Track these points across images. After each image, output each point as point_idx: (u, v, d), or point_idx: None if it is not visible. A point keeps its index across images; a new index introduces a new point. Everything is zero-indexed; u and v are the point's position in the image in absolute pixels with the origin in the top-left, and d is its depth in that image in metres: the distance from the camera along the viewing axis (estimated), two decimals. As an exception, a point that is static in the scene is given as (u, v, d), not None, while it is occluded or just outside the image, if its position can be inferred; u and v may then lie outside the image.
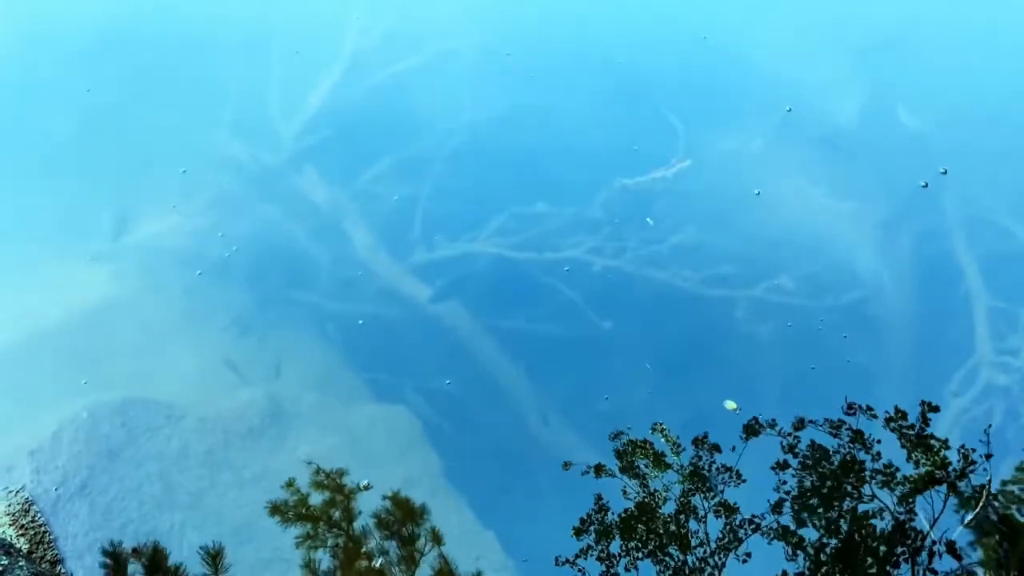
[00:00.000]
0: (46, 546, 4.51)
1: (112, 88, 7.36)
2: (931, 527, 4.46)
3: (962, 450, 4.81)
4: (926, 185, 6.13)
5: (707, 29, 7.72)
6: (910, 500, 4.60)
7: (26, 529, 4.55)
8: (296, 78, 7.37)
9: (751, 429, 4.95)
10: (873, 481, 4.70)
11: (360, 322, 5.58)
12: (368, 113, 7.14)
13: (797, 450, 4.85)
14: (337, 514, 4.65)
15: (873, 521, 4.54)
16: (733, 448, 4.87)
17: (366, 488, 4.78)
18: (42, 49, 7.85)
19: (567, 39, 7.80)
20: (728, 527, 4.57)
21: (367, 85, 7.36)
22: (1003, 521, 4.46)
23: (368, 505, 4.72)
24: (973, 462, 4.73)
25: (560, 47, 7.70)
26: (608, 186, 6.32)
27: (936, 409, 5.01)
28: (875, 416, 4.98)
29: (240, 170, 6.61)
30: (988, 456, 4.76)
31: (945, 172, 6.15)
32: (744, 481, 4.75)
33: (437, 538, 4.58)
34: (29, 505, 4.65)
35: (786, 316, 5.50)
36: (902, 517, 4.53)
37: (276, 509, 4.68)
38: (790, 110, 6.77)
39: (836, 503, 4.64)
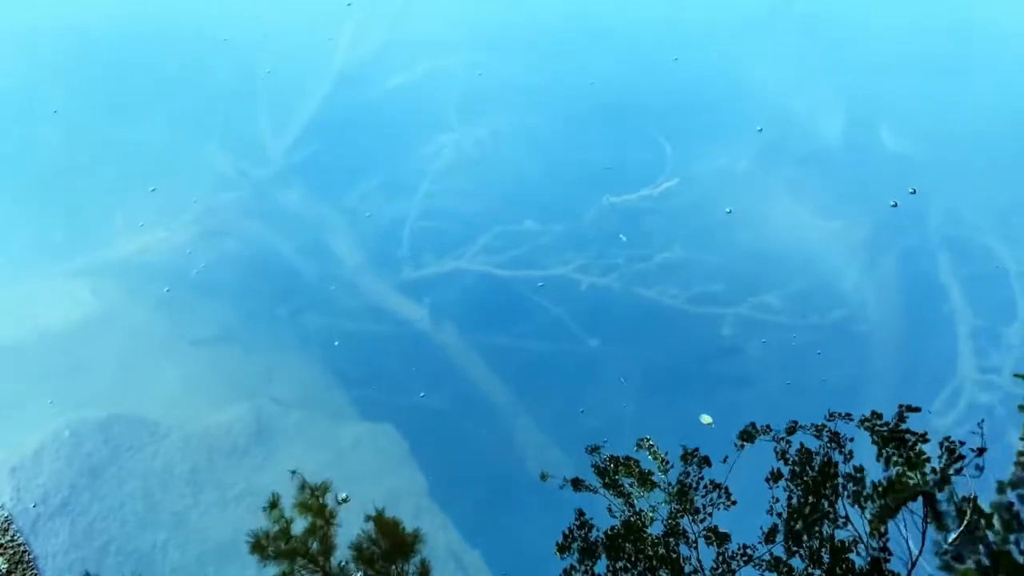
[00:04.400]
0: (25, 566, 4.45)
1: (99, 102, 7.36)
2: (911, 567, 4.42)
3: (946, 443, 4.75)
4: (895, 205, 6.20)
5: (699, 50, 7.81)
6: (883, 529, 4.54)
7: (5, 548, 4.49)
8: (285, 94, 7.39)
9: (747, 435, 4.95)
10: (845, 492, 4.69)
11: (336, 343, 5.55)
12: (357, 130, 7.16)
13: (788, 455, 4.85)
14: (315, 545, 4.58)
15: (851, 556, 4.51)
16: (724, 460, 4.86)
17: (344, 501, 4.75)
18: (27, 62, 7.85)
19: (557, 59, 7.86)
20: (721, 557, 4.54)
21: (356, 102, 7.38)
22: (993, 557, 4.37)
23: (352, 529, 4.68)
24: (961, 457, 4.68)
25: (549, 66, 7.76)
26: (596, 204, 6.35)
27: (916, 410, 5.02)
28: (851, 419, 4.99)
29: (228, 185, 6.60)
30: (981, 451, 4.70)
31: (914, 192, 6.22)
32: (734, 503, 4.74)
33: (425, 572, 4.55)
34: (8, 524, 4.59)
35: (772, 334, 5.53)
36: (877, 554, 4.49)
37: (258, 546, 4.61)
38: (760, 130, 6.85)
39: (816, 526, 4.61)
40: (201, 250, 6.10)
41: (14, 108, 7.44)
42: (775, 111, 7.11)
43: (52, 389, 5.23)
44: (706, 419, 5.07)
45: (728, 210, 6.23)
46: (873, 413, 5.04)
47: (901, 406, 5.07)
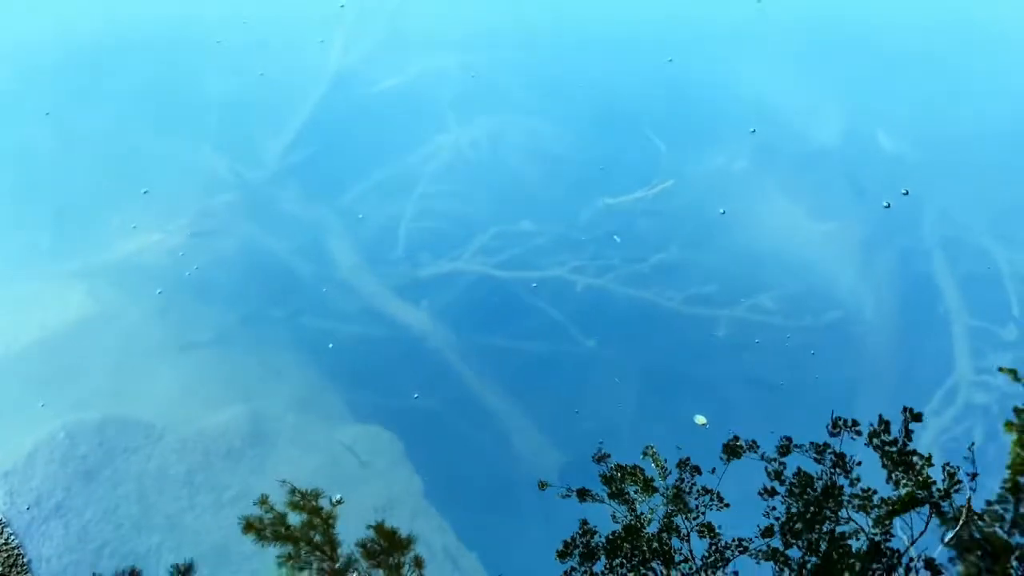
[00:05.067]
0: (20, 569, 4.43)
1: (93, 104, 7.34)
2: (909, 545, 4.46)
3: (947, 468, 4.81)
4: (888, 206, 6.22)
5: (694, 51, 7.83)
6: (887, 522, 4.59)
7: (-1, 552, 4.47)
8: (280, 97, 7.38)
9: (732, 449, 4.94)
10: (850, 505, 4.70)
11: (330, 346, 5.54)
12: (352, 132, 7.16)
13: (784, 477, 4.84)
14: (318, 536, 4.59)
15: (850, 541, 4.53)
16: (713, 470, 4.86)
17: (338, 503, 4.74)
18: (18, 66, 7.83)
19: (553, 60, 7.87)
20: (714, 547, 4.54)
21: (351, 104, 7.38)
22: (986, 540, 4.46)
23: (348, 529, 4.67)
24: (959, 481, 4.73)
25: (545, 68, 7.77)
26: (592, 206, 6.35)
27: (918, 418, 5.03)
28: (859, 433, 5.00)
29: (223, 187, 6.59)
30: (974, 475, 4.77)
31: (906, 193, 6.25)
32: (728, 505, 4.73)
33: (419, 564, 4.54)
34: (2, 527, 4.57)
35: (767, 335, 5.53)
36: (878, 538, 4.52)
37: (250, 526, 4.61)
38: (754, 131, 6.87)
39: (817, 526, 4.63)
40: (196, 252, 6.08)
41: (6, 110, 7.42)
42: (771, 113, 7.13)
43: (46, 391, 5.21)
44: (700, 420, 5.07)
45: (721, 211, 6.25)
46: (880, 419, 5.03)
47: (905, 409, 5.07)
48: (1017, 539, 4.48)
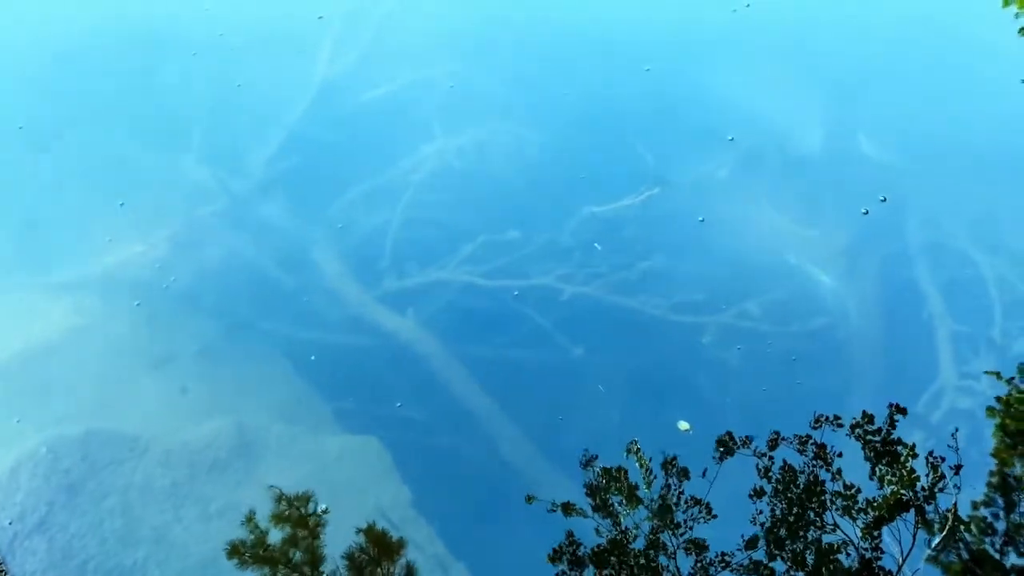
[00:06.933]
0: (2, 586, 4.38)
1: (77, 113, 7.30)
2: (901, 563, 4.46)
3: (930, 459, 4.81)
4: (867, 212, 6.26)
5: (678, 61, 7.87)
6: (875, 534, 4.59)
7: (-19, 568, 4.42)
8: (266, 105, 7.36)
9: (726, 445, 4.95)
10: (834, 506, 4.72)
11: (313, 358, 5.51)
12: (338, 141, 7.14)
13: (771, 474, 4.86)
14: (299, 555, 4.55)
15: (839, 556, 4.54)
16: (704, 473, 4.87)
17: (324, 512, 4.71)
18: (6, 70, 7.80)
19: (539, 69, 7.89)
20: (699, 565, 4.54)
21: (337, 113, 7.37)
22: (975, 558, 4.44)
23: (334, 543, 4.64)
24: (942, 475, 4.74)
25: (531, 77, 7.78)
26: (578, 214, 6.36)
27: (904, 411, 5.06)
28: (841, 425, 5.02)
29: (207, 197, 6.56)
30: (958, 468, 4.78)
31: (884, 200, 6.29)
32: (715, 516, 4.74)
33: (411, 572, 4.52)
34: (-16, 543, 4.52)
35: (753, 342, 5.55)
36: (868, 555, 4.53)
37: (235, 551, 4.56)
38: (732, 139, 6.91)
39: (802, 532, 4.64)
40: (180, 263, 6.05)
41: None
42: (755, 120, 7.16)
43: (28, 405, 5.16)
44: (684, 425, 5.08)
45: (701, 219, 6.27)
46: (864, 414, 5.06)
47: (891, 405, 5.10)
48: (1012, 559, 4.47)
